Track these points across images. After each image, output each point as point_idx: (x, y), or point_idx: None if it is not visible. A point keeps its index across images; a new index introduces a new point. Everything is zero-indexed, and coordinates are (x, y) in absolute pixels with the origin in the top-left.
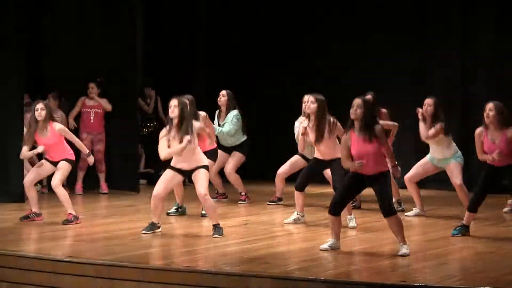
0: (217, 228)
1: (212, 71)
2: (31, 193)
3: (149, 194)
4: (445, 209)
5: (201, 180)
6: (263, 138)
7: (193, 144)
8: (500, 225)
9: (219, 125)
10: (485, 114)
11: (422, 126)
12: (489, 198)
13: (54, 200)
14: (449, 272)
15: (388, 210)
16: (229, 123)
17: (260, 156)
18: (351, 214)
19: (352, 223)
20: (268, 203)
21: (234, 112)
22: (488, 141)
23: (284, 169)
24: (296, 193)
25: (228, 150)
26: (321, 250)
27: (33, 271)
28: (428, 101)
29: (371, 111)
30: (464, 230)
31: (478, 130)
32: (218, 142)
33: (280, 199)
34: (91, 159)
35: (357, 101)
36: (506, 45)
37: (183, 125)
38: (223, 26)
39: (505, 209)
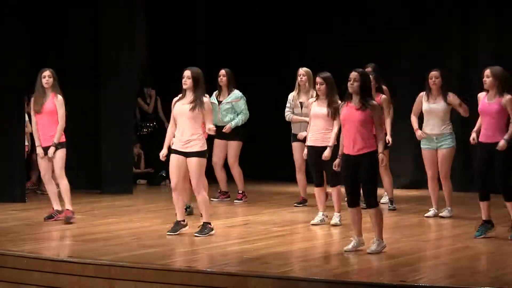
0: (204, 227)
1: (212, 70)
2: (50, 186)
3: (149, 194)
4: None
5: (192, 171)
6: (262, 138)
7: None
8: (500, 225)
9: (219, 103)
10: (483, 80)
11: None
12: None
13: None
14: (449, 272)
15: (368, 201)
16: (243, 112)
17: (260, 156)
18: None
19: (335, 220)
20: (295, 204)
21: (238, 93)
22: (485, 101)
23: (299, 164)
24: (317, 189)
25: (223, 134)
26: (346, 251)
27: (33, 271)
28: (435, 73)
29: (368, 84)
30: (486, 228)
31: (480, 94)
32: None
33: (305, 200)
34: (51, 151)
35: (354, 74)
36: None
37: (197, 95)
38: (223, 25)
39: None
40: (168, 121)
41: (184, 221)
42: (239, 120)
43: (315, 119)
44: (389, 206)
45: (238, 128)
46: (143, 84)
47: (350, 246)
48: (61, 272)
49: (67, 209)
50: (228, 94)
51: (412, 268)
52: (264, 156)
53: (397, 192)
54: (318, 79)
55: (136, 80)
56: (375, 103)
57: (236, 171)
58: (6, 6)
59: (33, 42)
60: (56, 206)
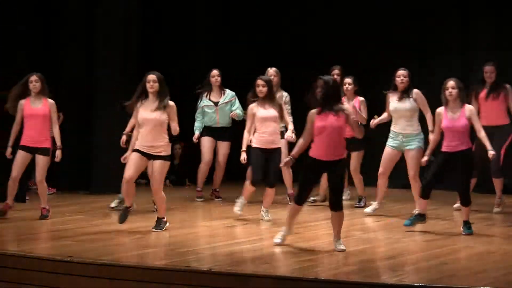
0: (159, 222)
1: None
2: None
3: (149, 194)
4: (445, 209)
5: (157, 173)
6: None
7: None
8: (500, 225)
9: (216, 104)
10: (447, 92)
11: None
12: (489, 198)
13: (54, 200)
14: (449, 272)
15: (335, 205)
16: (240, 108)
17: None
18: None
19: (267, 217)
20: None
21: (231, 91)
22: (447, 117)
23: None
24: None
25: (216, 133)
26: (275, 244)
27: (33, 271)
28: (403, 72)
29: (333, 90)
30: (419, 220)
31: (438, 109)
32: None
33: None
34: (59, 154)
35: (319, 82)
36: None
37: (161, 100)
38: (223, 25)
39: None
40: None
41: (131, 206)
42: (242, 113)
43: (265, 121)
44: (355, 204)
45: (229, 129)
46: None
47: (278, 239)
48: (61, 272)
49: (44, 208)
50: (221, 94)
51: (412, 268)
52: None
53: (397, 192)
54: (260, 82)
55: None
56: (342, 106)
57: (223, 171)
58: (6, 6)
59: (32, 42)
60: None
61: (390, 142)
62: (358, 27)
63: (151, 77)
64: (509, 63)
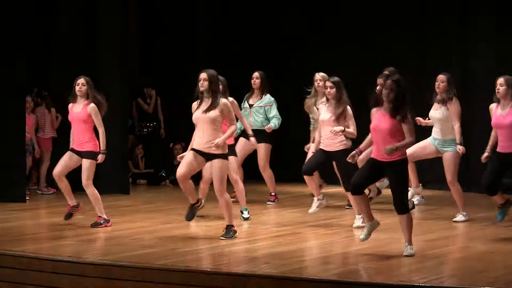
0: (228, 230)
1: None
2: (62, 184)
3: (149, 194)
4: (445, 209)
5: (216, 173)
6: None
7: (218, 121)
8: (500, 225)
9: (251, 106)
10: (496, 90)
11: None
12: (489, 197)
13: (54, 200)
14: (449, 272)
15: (400, 207)
16: (276, 117)
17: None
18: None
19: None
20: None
21: (271, 98)
22: (497, 114)
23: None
24: (306, 177)
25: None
26: (362, 241)
27: (33, 271)
28: (441, 77)
29: (403, 91)
30: (505, 208)
31: (491, 105)
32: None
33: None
34: (101, 158)
35: (390, 84)
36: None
37: (213, 99)
38: (223, 25)
39: None
40: (167, 121)
41: (197, 201)
42: (276, 123)
43: (323, 123)
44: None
45: (264, 131)
46: (143, 84)
47: (363, 236)
48: (61, 272)
49: (99, 216)
50: (261, 98)
51: (412, 268)
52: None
53: None
54: (328, 83)
55: (131, 81)
56: (404, 108)
57: (269, 175)
58: (5, 6)
59: (32, 42)
60: (71, 202)
61: (431, 138)
62: (358, 27)
63: (202, 75)
64: (509, 63)
